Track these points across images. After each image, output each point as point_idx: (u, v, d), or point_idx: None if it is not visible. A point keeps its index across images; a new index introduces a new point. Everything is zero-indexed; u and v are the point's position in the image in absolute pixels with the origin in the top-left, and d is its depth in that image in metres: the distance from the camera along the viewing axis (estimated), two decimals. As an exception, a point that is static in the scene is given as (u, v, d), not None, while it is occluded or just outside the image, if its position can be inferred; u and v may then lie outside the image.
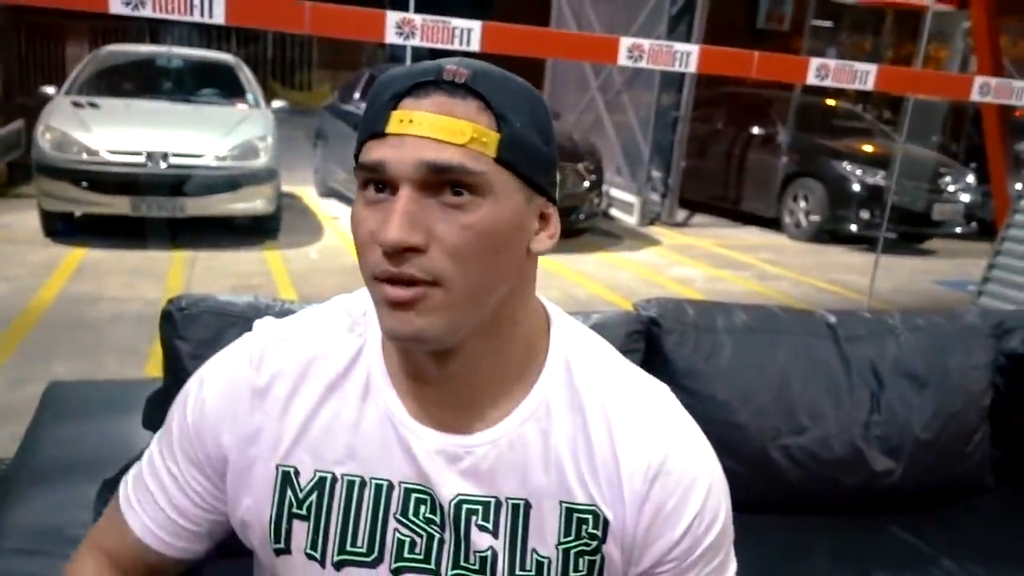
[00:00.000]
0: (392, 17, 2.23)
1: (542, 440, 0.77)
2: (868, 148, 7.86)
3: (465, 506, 0.77)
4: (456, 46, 2.27)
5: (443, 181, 0.67)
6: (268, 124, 5.98)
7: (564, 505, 0.76)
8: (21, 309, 4.04)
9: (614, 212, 8.02)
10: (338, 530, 0.78)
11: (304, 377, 0.80)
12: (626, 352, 1.49)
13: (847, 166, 7.53)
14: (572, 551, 0.77)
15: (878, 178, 7.37)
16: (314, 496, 0.78)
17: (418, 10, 2.33)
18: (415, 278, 0.68)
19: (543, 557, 0.77)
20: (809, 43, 11.78)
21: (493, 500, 0.77)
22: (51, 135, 5.34)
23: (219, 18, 1.90)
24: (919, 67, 5.92)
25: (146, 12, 1.66)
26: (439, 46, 2.29)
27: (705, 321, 1.57)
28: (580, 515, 0.76)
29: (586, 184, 6.61)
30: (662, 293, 5.37)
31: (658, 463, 0.76)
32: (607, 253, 6.57)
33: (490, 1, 12.80)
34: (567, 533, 0.77)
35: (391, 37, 2.25)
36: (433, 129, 0.67)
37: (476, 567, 0.77)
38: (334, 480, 0.78)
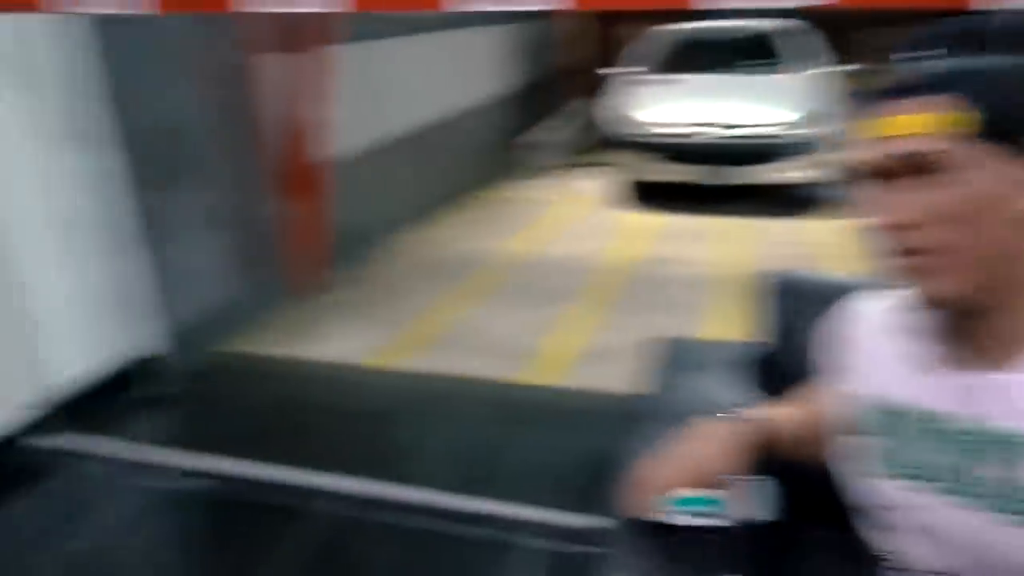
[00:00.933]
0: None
1: None
2: None
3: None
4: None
5: (917, 166, 0.82)
6: (827, 92, 5.96)
7: None
8: (612, 267, 4.80)
9: None
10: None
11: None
12: None
13: None
14: None
15: None
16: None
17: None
18: (915, 249, 0.83)
19: None
20: None
21: None
22: (635, 113, 6.07)
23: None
24: None
25: (727, 4, 1.66)
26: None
27: None
28: None
29: None
30: None
31: None
32: None
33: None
34: None
35: None
36: (904, 127, 0.83)
37: None
38: None
